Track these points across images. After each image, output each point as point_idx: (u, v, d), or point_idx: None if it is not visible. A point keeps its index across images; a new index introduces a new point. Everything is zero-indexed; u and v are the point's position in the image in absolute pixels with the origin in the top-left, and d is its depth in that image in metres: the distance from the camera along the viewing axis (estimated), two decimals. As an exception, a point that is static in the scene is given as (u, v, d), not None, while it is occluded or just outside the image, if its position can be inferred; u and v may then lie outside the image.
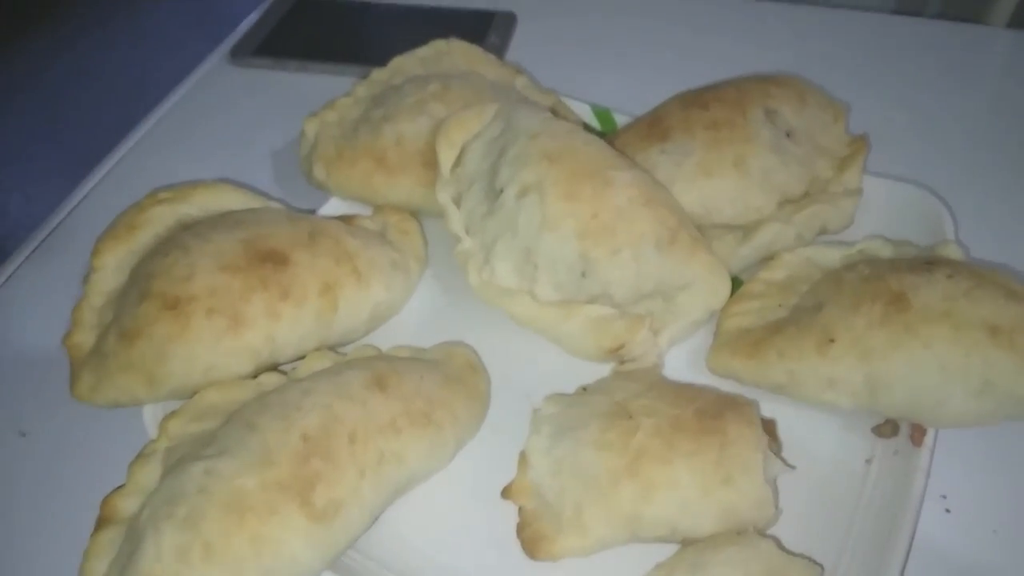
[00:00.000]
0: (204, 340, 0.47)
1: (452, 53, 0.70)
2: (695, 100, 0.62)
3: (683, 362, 0.56)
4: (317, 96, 0.71)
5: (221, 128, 0.79)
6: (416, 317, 0.59)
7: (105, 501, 0.43)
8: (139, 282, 0.49)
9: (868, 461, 0.50)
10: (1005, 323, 0.45)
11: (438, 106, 0.62)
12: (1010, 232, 0.64)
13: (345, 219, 0.61)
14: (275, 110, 0.79)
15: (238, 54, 0.86)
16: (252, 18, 0.91)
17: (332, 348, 0.54)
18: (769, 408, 0.51)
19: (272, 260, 0.50)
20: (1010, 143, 0.74)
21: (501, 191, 0.56)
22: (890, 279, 0.49)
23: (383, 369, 0.47)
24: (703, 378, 0.54)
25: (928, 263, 0.50)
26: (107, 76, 2.22)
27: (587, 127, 0.69)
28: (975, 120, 0.77)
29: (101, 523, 0.43)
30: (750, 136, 0.60)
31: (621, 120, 0.70)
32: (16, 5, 2.41)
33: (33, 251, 0.67)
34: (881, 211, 0.62)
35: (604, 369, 0.54)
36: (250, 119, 0.79)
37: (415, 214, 0.63)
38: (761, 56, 0.81)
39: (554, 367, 0.55)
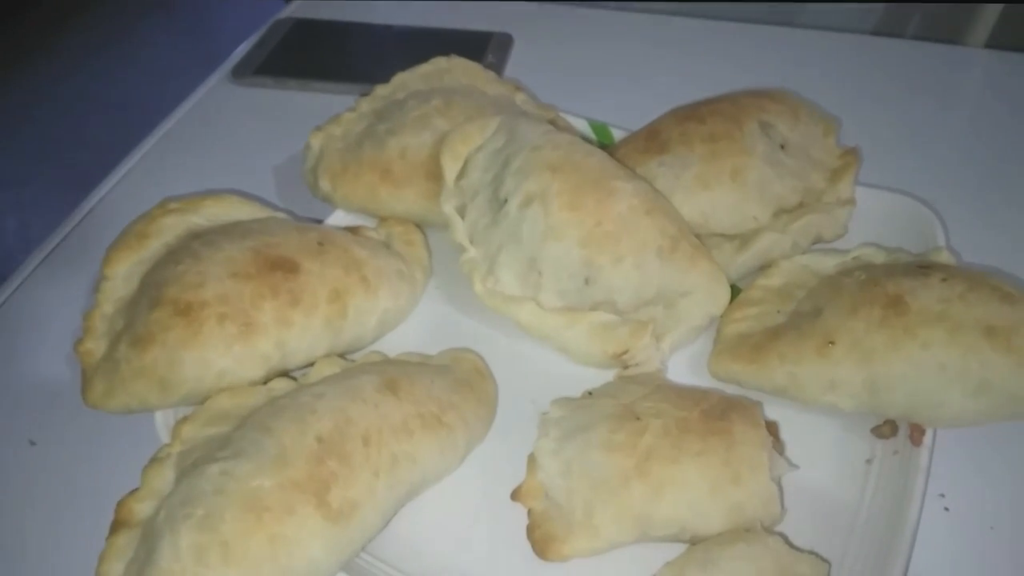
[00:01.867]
0: (216, 346, 0.48)
1: (453, 70, 0.72)
2: (692, 114, 0.64)
3: (685, 367, 0.57)
4: (317, 114, 0.72)
5: (224, 145, 0.80)
6: (422, 325, 0.60)
7: (120, 504, 0.43)
8: (151, 289, 0.50)
9: (868, 461, 0.51)
10: (1001, 324, 0.47)
11: (441, 120, 0.64)
12: (995, 238, 0.66)
13: (351, 229, 0.62)
14: (276, 127, 0.80)
15: (240, 73, 0.87)
16: (253, 38, 0.93)
17: (340, 355, 0.54)
18: (770, 411, 0.52)
19: (282, 268, 0.51)
20: (991, 155, 0.76)
21: (505, 201, 0.57)
22: (887, 283, 0.51)
23: (394, 373, 0.48)
24: (705, 382, 0.55)
25: (923, 268, 0.52)
26: (109, 99, 2.24)
27: (586, 140, 0.71)
28: (955, 134, 0.80)
29: (116, 526, 0.43)
30: (746, 149, 0.61)
31: (618, 134, 0.72)
32: (19, 29, 2.43)
33: (43, 260, 0.67)
34: (874, 220, 0.63)
35: (608, 375, 0.55)
36: (252, 136, 0.80)
37: (419, 225, 0.64)
38: (751, 75, 0.84)
39: (558, 373, 0.56)
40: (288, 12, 0.99)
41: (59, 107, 2.24)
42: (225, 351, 0.48)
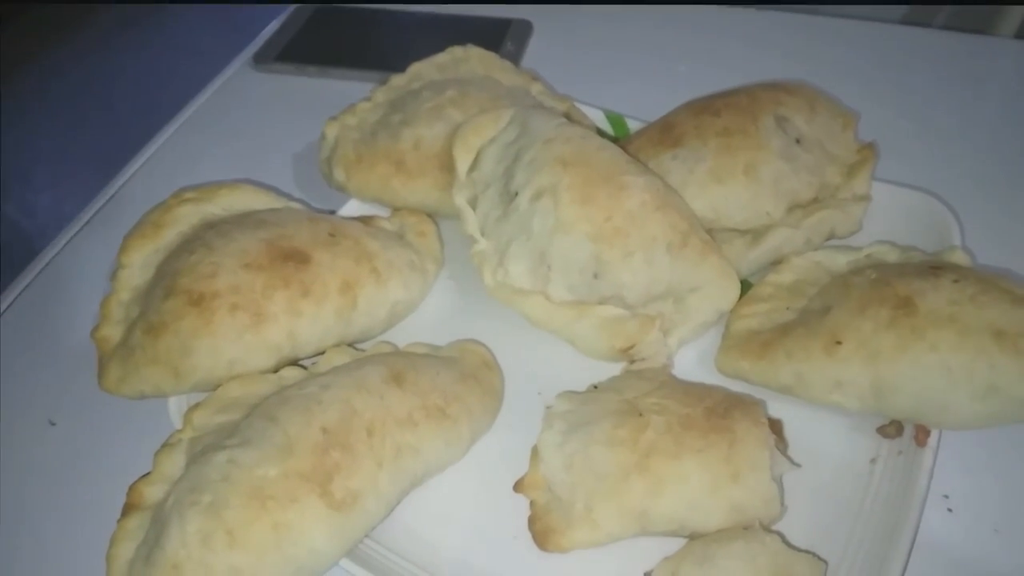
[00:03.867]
0: (227, 335, 0.49)
1: (469, 59, 0.72)
2: (707, 107, 0.64)
3: (692, 362, 0.58)
4: (336, 100, 0.73)
5: (244, 130, 0.81)
6: (432, 316, 0.61)
7: (132, 488, 0.45)
8: (165, 279, 0.51)
9: (873, 461, 0.51)
10: (1010, 328, 0.46)
11: (455, 111, 0.64)
12: (1016, 238, 0.65)
13: (364, 220, 0.62)
14: (296, 114, 0.81)
15: (260, 60, 0.88)
16: (274, 25, 0.93)
17: (351, 345, 0.55)
18: (776, 408, 0.52)
19: (294, 259, 0.52)
20: (1017, 152, 0.74)
21: (516, 194, 0.57)
22: (897, 284, 0.50)
23: (400, 365, 0.49)
24: (712, 378, 0.55)
25: (934, 268, 0.51)
26: (133, 80, 2.26)
27: (600, 132, 0.71)
28: (982, 129, 0.78)
29: (128, 509, 0.44)
30: (761, 143, 0.61)
31: (634, 125, 0.72)
32: (44, 14, 2.47)
33: (63, 248, 0.69)
34: (889, 217, 0.63)
35: (615, 368, 0.56)
36: (272, 122, 0.81)
37: (432, 216, 0.65)
38: (772, 64, 0.83)
39: (566, 365, 0.56)
40: (310, -2, 1.00)
41: (83, 87, 2.27)
42: (236, 340, 0.49)
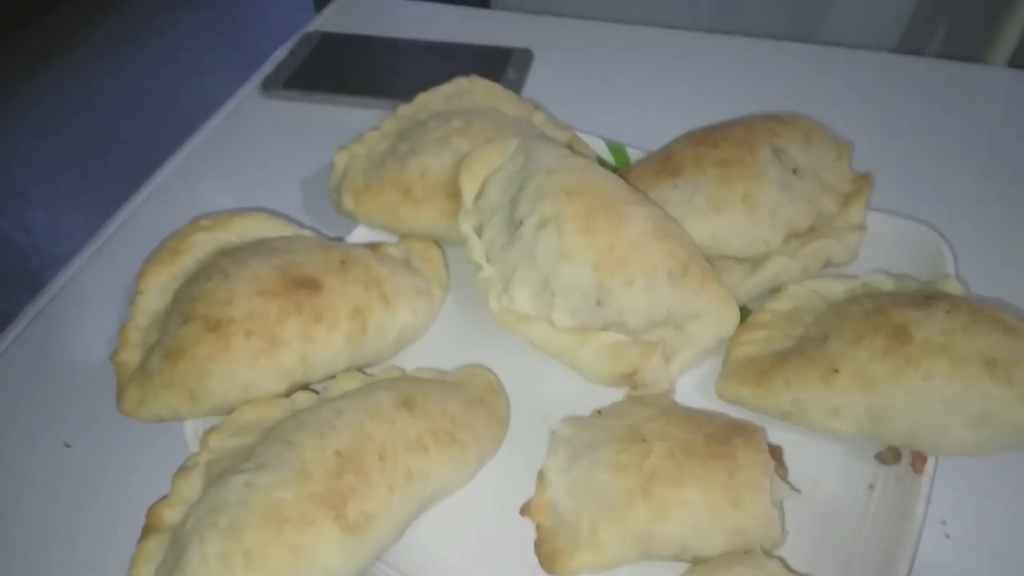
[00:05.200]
0: (242, 360, 0.51)
1: (474, 90, 0.74)
2: (705, 138, 0.66)
3: (693, 388, 0.59)
4: (342, 127, 0.74)
5: (253, 157, 0.82)
6: (439, 340, 0.62)
7: (151, 510, 0.46)
8: (182, 305, 0.52)
9: (871, 487, 0.52)
10: (1002, 357, 0.48)
11: (461, 141, 0.66)
12: (1009, 267, 0.67)
13: (372, 247, 0.64)
14: (303, 140, 0.83)
15: (269, 86, 0.90)
16: (282, 51, 0.95)
17: (360, 369, 0.57)
18: (775, 434, 0.54)
19: (306, 286, 0.53)
20: (1010, 180, 0.76)
21: (521, 223, 0.59)
22: (892, 313, 0.52)
23: (410, 390, 0.50)
24: (712, 403, 0.57)
25: (928, 298, 0.53)
26: (136, 100, 2.28)
27: (601, 161, 0.73)
28: (975, 157, 0.80)
29: (147, 531, 0.45)
30: (758, 173, 0.63)
31: (634, 154, 0.74)
32: (47, 34, 2.49)
33: (79, 270, 0.70)
34: (884, 246, 0.64)
35: (618, 394, 0.57)
36: (281, 149, 0.83)
37: (438, 242, 0.66)
38: (769, 93, 0.86)
39: (570, 391, 0.58)
40: (317, 25, 1.02)
41: (91, 101, 2.28)
42: (251, 365, 0.51)
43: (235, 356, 0.50)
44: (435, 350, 0.62)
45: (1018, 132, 0.83)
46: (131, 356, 0.53)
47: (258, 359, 0.51)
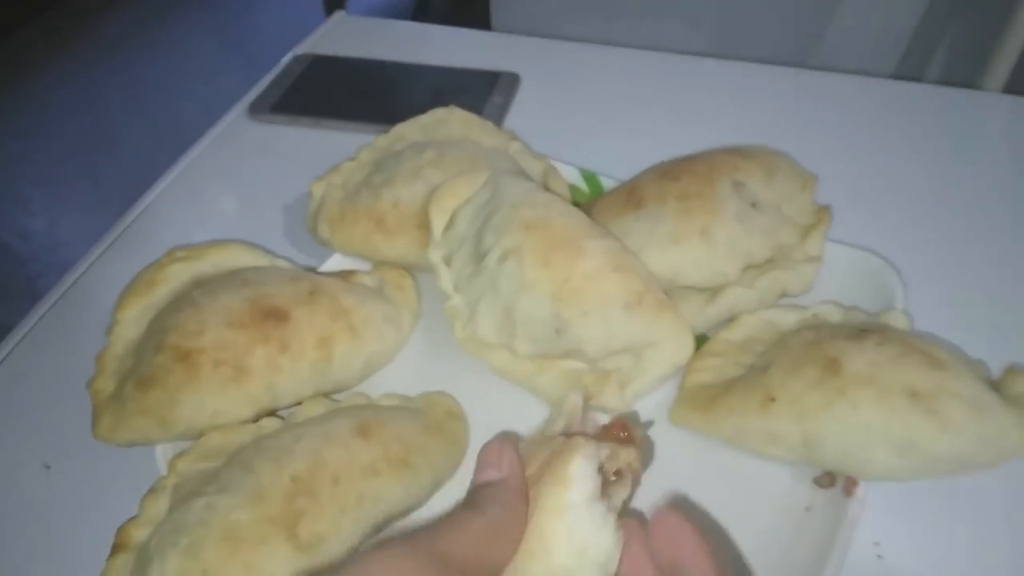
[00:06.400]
0: (211, 389, 0.53)
1: (450, 120, 0.76)
2: (668, 172, 0.68)
3: (653, 411, 0.61)
4: (328, 153, 0.77)
5: (238, 182, 0.85)
6: (407, 365, 0.65)
7: (120, 529, 0.49)
8: (156, 335, 0.55)
9: (808, 509, 0.54)
10: (925, 388, 0.50)
11: (433, 172, 0.68)
12: (960, 296, 0.68)
13: (345, 275, 0.67)
14: (289, 166, 0.86)
15: (256, 110, 0.93)
16: (271, 75, 0.99)
17: (327, 395, 0.59)
18: (726, 456, 0.57)
19: (274, 316, 0.56)
20: (996, 210, 0.77)
21: (485, 254, 0.62)
22: (827, 345, 0.54)
23: (367, 417, 0.53)
24: (667, 426, 0.59)
25: (862, 331, 0.55)
26: (142, 104, 2.27)
27: (575, 190, 0.75)
28: (952, 184, 0.81)
29: (116, 549, 0.48)
30: (716, 207, 0.65)
31: (607, 183, 0.76)
32: (40, 37, 2.47)
33: (61, 296, 0.73)
34: (839, 276, 0.66)
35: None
36: (265, 174, 0.86)
37: (410, 270, 0.69)
38: (761, 118, 0.88)
39: (530, 415, 0.60)
40: (307, 47, 1.05)
41: (90, 104, 2.28)
42: (219, 393, 0.54)
43: (204, 385, 0.53)
44: (402, 375, 0.64)
45: (1008, 158, 0.84)
46: (107, 384, 0.56)
47: (226, 387, 0.54)
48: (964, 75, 1.19)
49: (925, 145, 0.85)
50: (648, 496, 0.55)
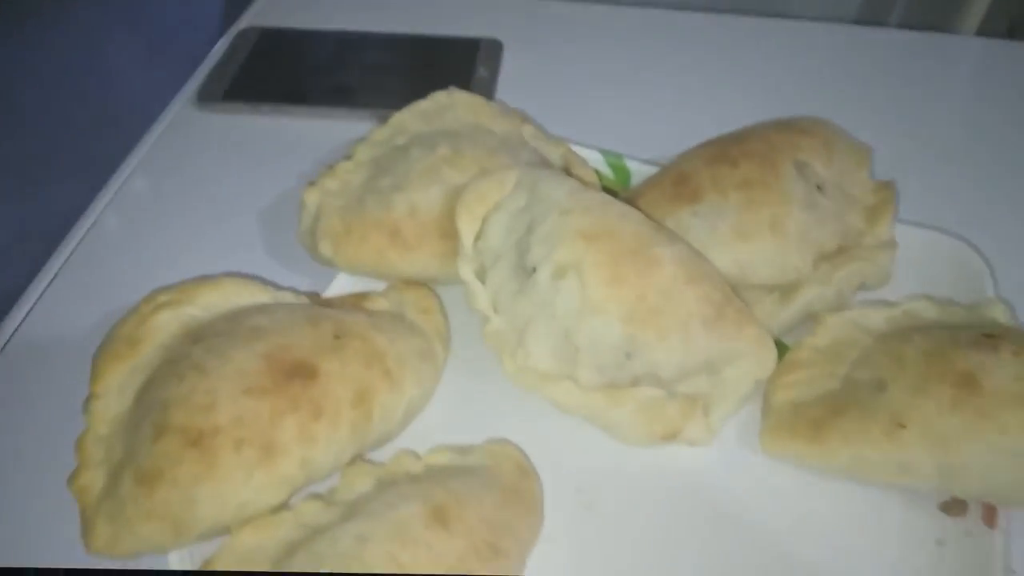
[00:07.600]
0: (235, 477, 0.42)
1: (455, 105, 0.65)
2: (722, 155, 0.59)
3: (734, 440, 0.54)
4: (300, 144, 0.66)
5: (196, 186, 0.71)
6: (443, 404, 0.55)
7: None
8: (152, 412, 0.43)
9: (939, 543, 0.48)
10: None
11: (451, 172, 0.58)
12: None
13: (358, 299, 0.56)
14: (255, 163, 0.73)
15: (206, 97, 0.79)
16: (215, 54, 0.84)
17: (363, 456, 0.49)
18: (824, 485, 0.50)
19: (300, 375, 0.45)
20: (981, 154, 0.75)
21: (534, 270, 0.52)
22: (955, 357, 0.48)
23: (441, 499, 0.43)
24: (755, 456, 0.52)
25: (990, 337, 0.49)
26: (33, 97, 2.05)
27: (598, 174, 0.66)
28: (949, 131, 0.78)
29: None
30: (784, 195, 0.57)
31: (632, 166, 0.67)
32: None
33: (7, 344, 0.58)
34: (913, 262, 0.60)
35: (657, 451, 0.52)
36: (228, 173, 0.72)
37: (431, 286, 0.59)
38: (747, 71, 0.85)
39: (603, 456, 0.52)
40: (250, 19, 0.91)
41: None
42: (245, 481, 0.42)
43: (225, 474, 0.42)
44: (440, 418, 0.54)
45: (989, 105, 0.81)
46: (94, 479, 0.44)
47: (253, 473, 0.43)
48: (928, 19, 1.15)
49: (906, 91, 0.82)
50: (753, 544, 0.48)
